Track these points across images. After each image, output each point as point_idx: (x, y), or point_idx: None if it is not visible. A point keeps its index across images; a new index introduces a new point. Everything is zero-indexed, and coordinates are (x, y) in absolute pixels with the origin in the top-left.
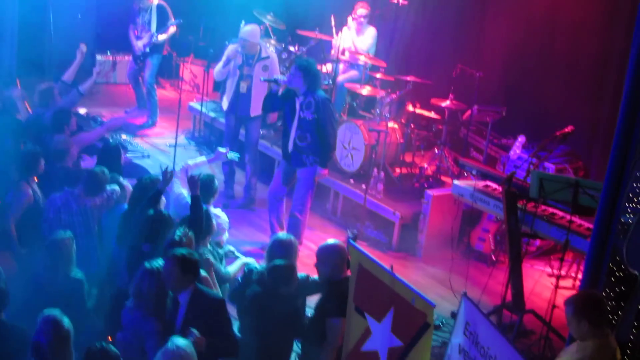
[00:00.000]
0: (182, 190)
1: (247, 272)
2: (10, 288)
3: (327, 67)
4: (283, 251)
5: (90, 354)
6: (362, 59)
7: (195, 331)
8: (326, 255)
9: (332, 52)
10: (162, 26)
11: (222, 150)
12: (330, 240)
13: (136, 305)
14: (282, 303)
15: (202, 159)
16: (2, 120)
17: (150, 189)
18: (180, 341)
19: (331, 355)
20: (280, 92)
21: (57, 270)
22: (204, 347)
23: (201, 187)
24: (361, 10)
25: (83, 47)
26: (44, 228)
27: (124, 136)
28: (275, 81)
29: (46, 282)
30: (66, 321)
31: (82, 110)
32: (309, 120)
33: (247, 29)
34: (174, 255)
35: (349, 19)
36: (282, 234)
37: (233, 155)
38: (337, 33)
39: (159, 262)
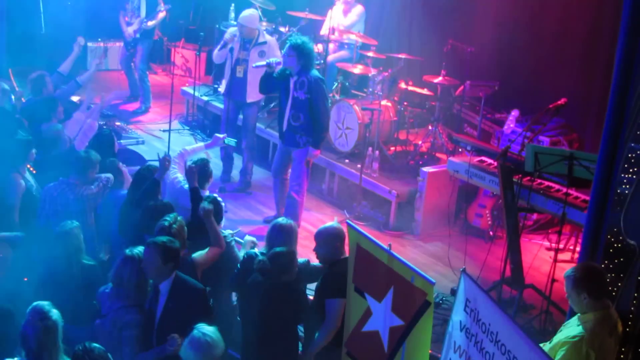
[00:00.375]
0: (178, 175)
1: (247, 258)
2: (14, 277)
3: (317, 47)
4: (283, 236)
5: (76, 357)
6: (352, 38)
7: (176, 336)
8: (325, 238)
9: (321, 31)
10: (151, 11)
11: (219, 135)
12: (328, 223)
13: (116, 294)
14: (283, 291)
15: (200, 144)
16: None
17: (150, 178)
18: (206, 328)
19: (329, 336)
20: (275, 73)
21: (71, 260)
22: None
23: (198, 173)
24: None
25: (81, 41)
26: (41, 219)
27: (117, 123)
28: (268, 65)
29: (61, 273)
30: (54, 313)
31: (75, 98)
32: (302, 100)
33: (245, 14)
34: (155, 243)
35: None
36: (282, 219)
37: (230, 141)
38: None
39: (139, 249)
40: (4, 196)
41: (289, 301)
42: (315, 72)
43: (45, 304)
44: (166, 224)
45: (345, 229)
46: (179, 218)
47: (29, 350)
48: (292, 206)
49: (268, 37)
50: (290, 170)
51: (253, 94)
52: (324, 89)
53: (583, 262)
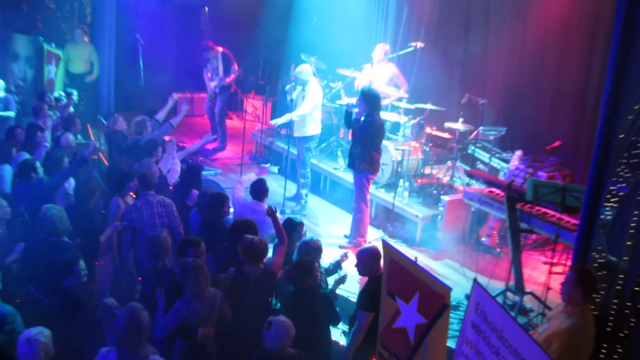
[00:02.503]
0: (241, 194)
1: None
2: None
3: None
4: (308, 249)
5: None
6: (388, 92)
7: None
8: (363, 257)
9: (356, 82)
10: (227, 69)
11: (264, 165)
12: (368, 244)
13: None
14: (309, 293)
15: (252, 174)
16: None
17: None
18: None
19: (357, 341)
20: (354, 114)
21: (157, 261)
22: None
23: (255, 190)
24: (376, 52)
25: (175, 96)
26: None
27: (200, 158)
28: (347, 106)
29: (149, 270)
30: (144, 314)
31: (167, 138)
32: (359, 135)
33: (297, 69)
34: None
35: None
36: (308, 237)
37: (272, 169)
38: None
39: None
40: (108, 214)
41: (315, 302)
42: (375, 116)
43: (137, 305)
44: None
45: (380, 245)
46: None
47: (118, 341)
48: (355, 222)
49: (309, 87)
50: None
51: (298, 130)
52: (371, 129)
53: (589, 266)
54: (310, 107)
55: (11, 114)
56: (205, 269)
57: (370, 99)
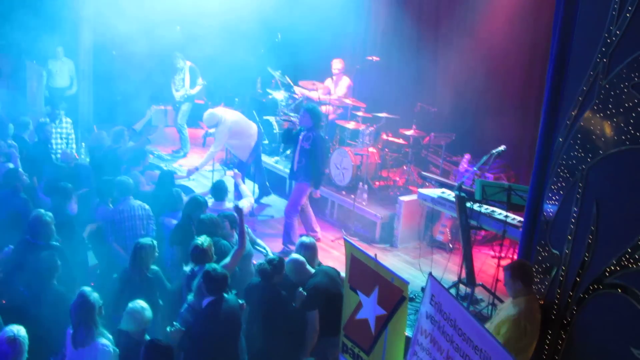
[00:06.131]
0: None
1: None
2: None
3: (327, 108)
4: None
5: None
6: (347, 102)
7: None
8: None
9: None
10: (194, 82)
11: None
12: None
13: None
14: (276, 290)
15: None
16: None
17: (197, 207)
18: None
19: (313, 338)
20: (295, 130)
21: (140, 266)
22: None
23: (216, 189)
24: (334, 65)
25: (153, 108)
26: (108, 230)
27: (174, 164)
28: (292, 123)
29: (132, 274)
30: (94, 297)
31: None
32: (306, 149)
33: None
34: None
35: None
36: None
37: (229, 172)
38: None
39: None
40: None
41: (278, 298)
42: (320, 132)
43: (87, 289)
44: (199, 243)
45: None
46: (208, 239)
47: (73, 323)
48: (286, 226)
49: (217, 129)
50: (307, 202)
51: (244, 157)
52: (322, 144)
53: (517, 259)
54: (217, 147)
55: None
56: None
57: (315, 116)
